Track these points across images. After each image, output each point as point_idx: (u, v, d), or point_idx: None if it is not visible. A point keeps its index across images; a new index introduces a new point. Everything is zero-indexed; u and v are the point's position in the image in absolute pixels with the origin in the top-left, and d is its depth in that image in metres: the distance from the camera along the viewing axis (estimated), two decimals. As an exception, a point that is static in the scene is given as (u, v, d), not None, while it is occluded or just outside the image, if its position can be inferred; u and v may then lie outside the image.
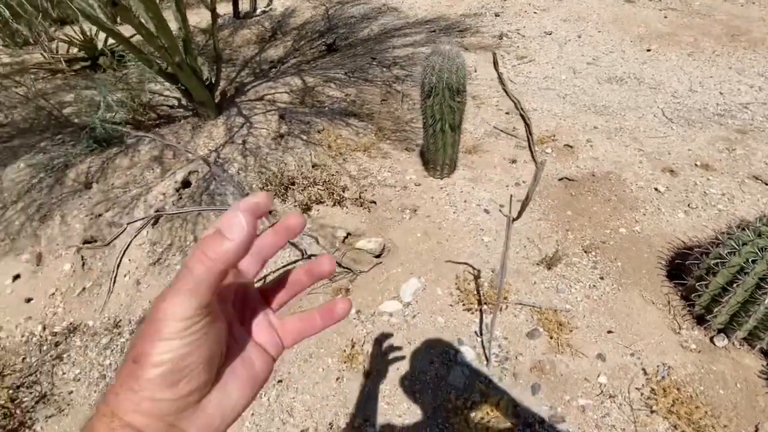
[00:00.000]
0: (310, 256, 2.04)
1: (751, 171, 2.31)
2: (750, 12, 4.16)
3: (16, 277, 2.09)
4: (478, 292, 1.77)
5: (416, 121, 2.90)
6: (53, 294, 2.01)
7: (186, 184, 2.60)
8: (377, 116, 3.13)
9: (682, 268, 1.72)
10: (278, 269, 2.00)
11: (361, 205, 2.33)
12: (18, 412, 1.55)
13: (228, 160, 2.68)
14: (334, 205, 2.32)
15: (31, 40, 5.15)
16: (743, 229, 1.49)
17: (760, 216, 1.50)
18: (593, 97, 3.12)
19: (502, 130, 2.82)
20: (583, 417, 1.38)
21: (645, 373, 1.46)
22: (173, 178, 2.57)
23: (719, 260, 1.49)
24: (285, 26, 5.19)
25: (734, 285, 1.43)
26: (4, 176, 2.86)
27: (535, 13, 4.72)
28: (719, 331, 1.56)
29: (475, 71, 3.61)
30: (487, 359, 1.54)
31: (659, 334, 1.58)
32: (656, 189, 2.23)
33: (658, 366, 1.48)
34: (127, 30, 2.81)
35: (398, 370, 1.57)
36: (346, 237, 2.18)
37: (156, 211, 2.34)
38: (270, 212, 2.25)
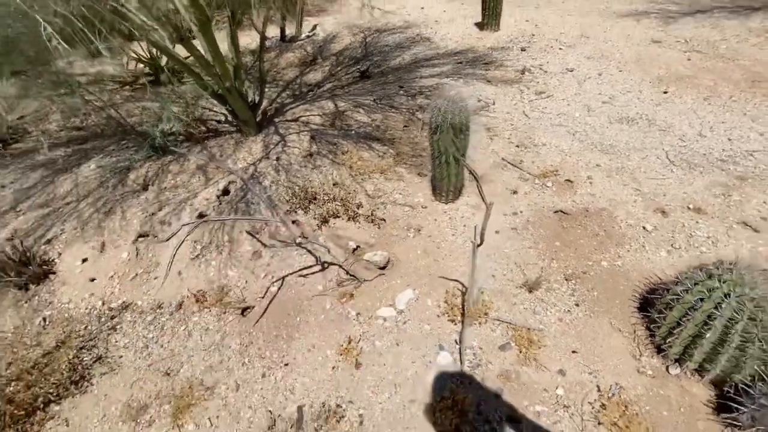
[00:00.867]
0: (323, 263, 2.36)
1: (741, 217, 2.43)
2: (778, 58, 4.19)
3: (84, 260, 2.55)
4: (463, 307, 2.01)
5: (431, 149, 3.20)
6: (112, 276, 2.44)
7: (225, 192, 3.01)
8: (398, 142, 3.45)
9: (651, 302, 1.90)
10: (294, 272, 2.34)
11: (372, 222, 2.63)
12: (80, 368, 1.94)
13: (263, 173, 3.07)
14: (349, 220, 2.64)
15: (103, 53, 5.91)
16: (699, 271, 1.67)
17: (717, 261, 1.68)
18: (602, 135, 3.30)
19: (509, 162, 3.07)
20: (537, 419, 1.59)
21: (599, 390, 1.66)
22: (216, 186, 2.99)
23: (676, 297, 1.68)
24: (325, 51, 5.67)
25: (685, 320, 1.61)
26: (79, 173, 3.41)
27: (560, 49, 4.93)
28: (675, 360, 1.73)
29: (494, 104, 3.88)
30: (462, 364, 1.78)
31: (619, 359, 1.77)
32: (644, 228, 2.40)
33: (611, 385, 1.67)
34: (183, 52, 3.29)
35: (384, 365, 1.84)
36: (355, 249, 2.49)
37: (199, 215, 2.76)
38: (294, 222, 2.61)
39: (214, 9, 3.15)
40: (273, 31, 6.30)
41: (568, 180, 2.83)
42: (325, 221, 2.61)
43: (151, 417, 1.75)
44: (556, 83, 4.17)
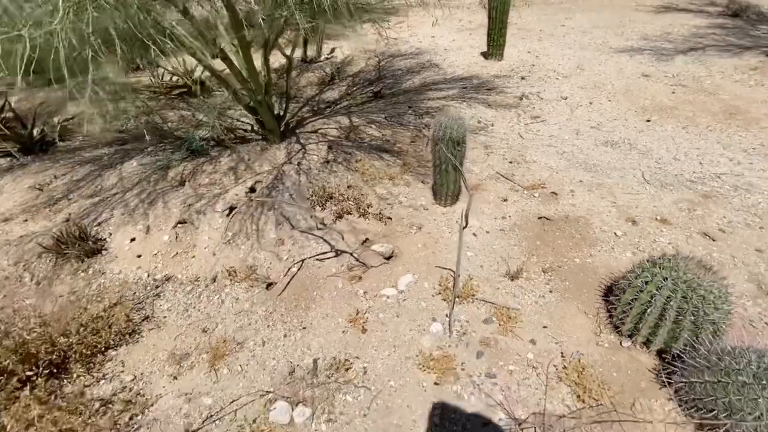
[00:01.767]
0: (337, 251, 2.76)
1: (702, 228, 2.79)
2: (755, 94, 4.61)
3: (132, 239, 2.97)
4: (453, 297, 2.38)
5: (434, 161, 3.62)
6: (155, 254, 2.85)
7: (252, 189, 3.44)
8: (405, 154, 3.88)
9: (612, 291, 2.25)
10: (312, 256, 2.73)
11: (380, 219, 3.03)
12: (131, 323, 2.32)
13: (286, 175, 3.51)
14: (360, 216, 3.04)
15: (141, 67, 6.51)
16: (647, 262, 2.04)
17: (663, 254, 2.04)
18: (587, 156, 3.71)
19: (502, 175, 3.47)
20: (510, 377, 1.93)
21: (562, 356, 2.01)
22: (244, 184, 3.42)
23: (628, 282, 2.04)
24: (342, 72, 6.21)
25: (635, 300, 1.97)
26: (123, 169, 3.87)
27: (557, 78, 5.41)
28: (628, 336, 2.07)
29: (492, 126, 4.32)
30: (450, 332, 2.14)
31: (582, 333, 2.12)
32: (615, 233, 2.77)
33: (573, 352, 2.01)
34: (218, 68, 3.78)
35: (386, 331, 2.20)
36: (364, 241, 2.88)
37: (230, 208, 3.18)
38: (312, 216, 3.01)
39: (252, 34, 3.66)
40: (295, 53, 6.88)
41: (554, 192, 3.23)
42: (339, 216, 3.02)
43: (192, 362, 2.12)
44: (551, 109, 4.62)
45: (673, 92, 4.80)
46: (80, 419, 1.78)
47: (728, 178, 3.30)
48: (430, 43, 7.39)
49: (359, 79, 5.95)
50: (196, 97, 5.71)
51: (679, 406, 1.75)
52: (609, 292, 2.30)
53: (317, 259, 2.71)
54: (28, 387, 1.80)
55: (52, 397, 1.87)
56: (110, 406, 1.93)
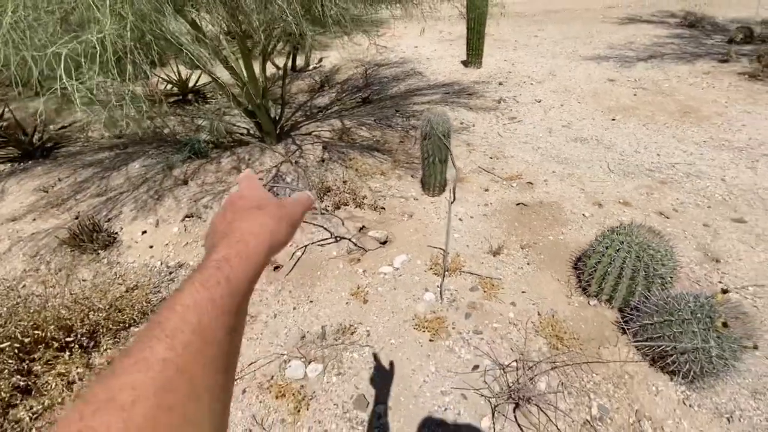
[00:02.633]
0: (337, 237, 3.03)
1: (658, 208, 3.17)
2: (707, 95, 5.12)
3: (144, 232, 3.17)
4: (444, 264, 2.68)
5: (422, 157, 3.94)
6: (167, 244, 3.06)
7: (253, 186, 3.69)
8: (395, 152, 4.20)
9: (580, 260, 2.59)
10: (314, 242, 2.99)
11: (375, 209, 3.32)
12: (150, 304, 2.53)
13: (285, 172, 3.77)
14: (356, 207, 3.32)
15: (134, 77, 6.69)
16: (608, 231, 2.38)
17: (621, 223, 2.39)
18: (559, 151, 4.09)
19: (484, 169, 3.82)
20: (494, 331, 2.23)
21: (539, 314, 2.31)
22: (246, 181, 3.66)
23: (592, 248, 2.38)
24: (331, 80, 6.54)
25: (598, 263, 2.30)
26: (128, 170, 4.07)
27: (531, 84, 5.86)
28: (594, 296, 2.40)
29: (474, 126, 4.69)
30: (441, 299, 2.43)
31: (555, 296, 2.43)
32: (583, 215, 3.12)
33: (548, 311, 2.32)
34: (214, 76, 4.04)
35: (385, 301, 2.47)
36: (361, 228, 3.16)
37: (234, 201, 3.41)
38: (313, 209, 3.30)
39: (252, 42, 3.94)
40: (284, 62, 7.18)
41: (529, 182, 3.58)
42: (338, 207, 3.29)
43: (210, 334, 2.34)
44: (526, 111, 5.02)
45: (635, 94, 5.28)
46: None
47: (682, 166, 3.72)
48: (414, 53, 7.81)
49: (348, 86, 6.29)
50: (191, 104, 5.94)
51: (636, 347, 2.08)
52: (578, 262, 2.63)
53: (319, 245, 2.98)
54: (67, 352, 2.00)
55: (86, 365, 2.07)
56: (138, 372, 2.13)
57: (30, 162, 4.53)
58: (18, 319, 1.94)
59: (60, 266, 2.90)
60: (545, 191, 3.44)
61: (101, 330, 2.26)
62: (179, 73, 5.94)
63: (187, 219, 3.30)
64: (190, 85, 6.08)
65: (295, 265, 2.81)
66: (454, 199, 2.05)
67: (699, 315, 1.82)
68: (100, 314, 2.25)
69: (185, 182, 3.80)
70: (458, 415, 1.85)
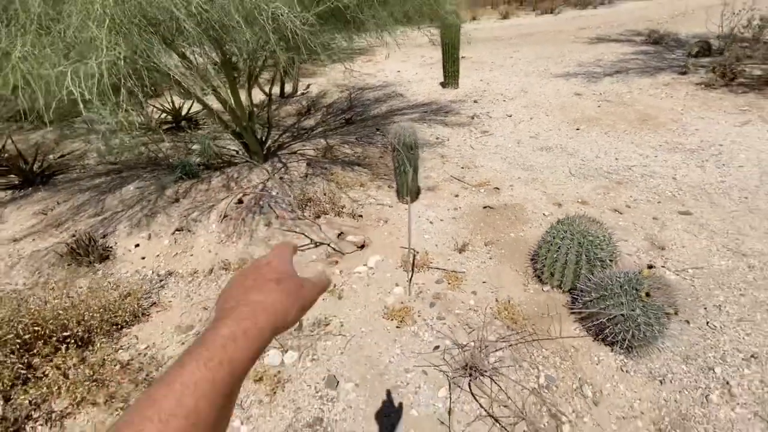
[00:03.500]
0: (316, 243, 3.26)
1: (613, 205, 3.44)
2: (664, 104, 5.50)
3: (137, 245, 3.40)
4: (412, 263, 2.91)
5: (398, 169, 4.22)
6: (158, 255, 3.29)
7: (240, 201, 3.95)
8: (374, 166, 4.49)
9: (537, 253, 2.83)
10: (297, 248, 3.22)
11: (353, 217, 3.58)
12: (141, 308, 2.74)
13: (271, 187, 4.04)
14: (336, 215, 3.58)
15: (131, 106, 7.07)
16: (555, 223, 2.63)
17: (566, 216, 2.65)
18: (526, 159, 4.40)
19: (455, 177, 4.10)
20: (456, 317, 2.44)
21: (497, 301, 2.53)
22: (235, 198, 3.93)
23: (543, 240, 2.62)
24: (318, 104, 6.92)
25: (548, 252, 2.54)
26: (123, 192, 4.33)
27: (504, 101, 6.25)
28: (546, 283, 2.62)
29: (448, 140, 5.02)
30: (410, 292, 2.65)
31: (513, 285, 2.66)
32: (543, 214, 3.38)
33: (505, 297, 2.54)
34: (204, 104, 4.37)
35: (358, 296, 2.69)
36: (340, 234, 3.40)
37: (224, 216, 3.67)
38: (296, 218, 3.51)
39: (239, 71, 4.30)
40: (275, 89, 7.59)
41: (496, 187, 3.86)
42: (318, 216, 3.55)
43: (196, 331, 2.54)
44: (498, 125, 5.37)
45: (599, 106, 5.66)
46: (107, 372, 2.18)
47: (637, 168, 4.01)
48: (396, 77, 8.26)
49: (333, 109, 6.67)
50: (183, 131, 6.28)
51: (580, 323, 2.29)
52: (535, 256, 2.87)
53: (300, 250, 3.21)
54: (64, 346, 2.19)
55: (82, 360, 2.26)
56: (128, 367, 2.32)
57: (30, 189, 4.79)
58: (20, 315, 2.14)
59: (59, 278, 3.11)
60: (510, 195, 3.71)
61: (95, 330, 2.45)
62: (173, 102, 6.31)
63: (177, 232, 3.53)
64: (183, 113, 6.45)
65: (276, 268, 3.03)
66: (413, 200, 2.31)
67: (626, 288, 2.05)
68: (95, 314, 2.45)
69: (177, 200, 4.06)
70: (418, 388, 2.05)
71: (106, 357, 2.25)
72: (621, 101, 5.75)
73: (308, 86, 8.15)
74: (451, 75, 6.91)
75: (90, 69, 2.46)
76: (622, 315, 2.00)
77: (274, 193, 3.94)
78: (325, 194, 3.86)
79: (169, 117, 6.41)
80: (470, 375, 2.07)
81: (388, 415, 1.95)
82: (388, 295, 2.67)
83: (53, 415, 2.02)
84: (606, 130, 4.92)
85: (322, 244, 3.26)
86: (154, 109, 6.39)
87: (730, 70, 5.88)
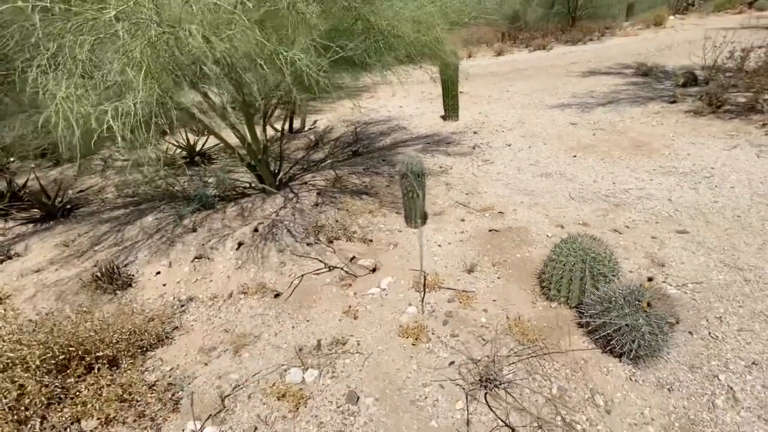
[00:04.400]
0: (330, 267, 3.40)
1: (612, 226, 3.60)
2: (656, 131, 5.77)
3: (158, 273, 3.55)
4: (424, 283, 3.04)
5: (405, 197, 4.42)
6: (179, 282, 3.42)
7: (256, 230, 4.13)
8: (381, 194, 4.70)
9: (543, 272, 2.96)
10: (310, 272, 3.35)
11: (364, 242, 3.73)
12: (165, 332, 2.84)
13: (284, 216, 4.23)
14: (347, 241, 3.74)
15: (154, 141, 7.40)
16: (559, 242, 2.78)
17: (569, 235, 2.80)
18: (527, 185, 4.60)
19: (460, 203, 4.29)
20: (468, 334, 2.54)
21: (507, 318, 2.64)
22: (250, 226, 4.11)
23: (549, 259, 2.76)
24: (325, 139, 7.25)
25: (554, 270, 2.68)
26: (142, 222, 4.52)
27: (503, 131, 6.55)
28: (554, 300, 2.74)
29: (451, 169, 5.25)
30: (422, 310, 2.76)
31: (522, 303, 2.77)
32: (547, 235, 3.53)
33: (515, 315, 2.65)
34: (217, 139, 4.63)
35: (373, 316, 2.80)
36: (352, 258, 3.54)
37: (239, 244, 3.83)
38: (308, 244, 3.68)
39: (255, 109, 4.60)
40: (284, 126, 7.96)
41: (500, 212, 4.04)
42: (330, 241, 3.71)
43: (218, 352, 2.64)
44: (498, 154, 5.62)
45: (594, 134, 5.94)
46: (135, 391, 2.27)
47: (634, 191, 4.20)
48: (398, 111, 8.67)
49: (340, 142, 6.98)
50: (197, 165, 6.56)
51: (588, 336, 2.39)
52: (542, 275, 2.99)
53: (314, 274, 3.35)
54: (96, 367, 2.29)
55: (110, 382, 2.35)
56: (155, 387, 2.41)
57: (51, 222, 4.99)
58: (56, 337, 2.26)
59: (82, 304, 3.23)
60: (514, 218, 3.88)
61: (122, 354, 2.56)
62: (187, 139, 6.64)
63: (196, 260, 3.69)
64: (197, 148, 6.76)
65: (293, 292, 3.16)
66: (424, 223, 2.47)
67: (629, 299, 2.17)
68: (123, 336, 2.56)
69: (194, 230, 4.24)
70: (436, 401, 2.13)
71: (134, 378, 2.34)
72: (615, 129, 6.03)
73: (315, 122, 8.54)
74: (451, 108, 7.27)
75: (126, 107, 2.71)
76: (627, 325, 2.11)
77: (287, 222, 4.12)
78: (336, 221, 4.04)
79: (184, 152, 6.72)
80: (486, 387, 2.16)
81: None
82: (402, 314, 2.79)
83: (85, 433, 2.10)
84: (602, 157, 5.16)
85: (335, 268, 3.40)
86: (169, 146, 6.70)
87: (716, 98, 6.20)
